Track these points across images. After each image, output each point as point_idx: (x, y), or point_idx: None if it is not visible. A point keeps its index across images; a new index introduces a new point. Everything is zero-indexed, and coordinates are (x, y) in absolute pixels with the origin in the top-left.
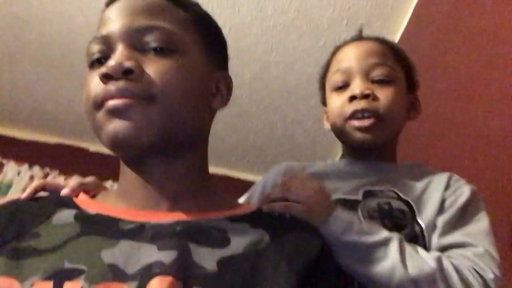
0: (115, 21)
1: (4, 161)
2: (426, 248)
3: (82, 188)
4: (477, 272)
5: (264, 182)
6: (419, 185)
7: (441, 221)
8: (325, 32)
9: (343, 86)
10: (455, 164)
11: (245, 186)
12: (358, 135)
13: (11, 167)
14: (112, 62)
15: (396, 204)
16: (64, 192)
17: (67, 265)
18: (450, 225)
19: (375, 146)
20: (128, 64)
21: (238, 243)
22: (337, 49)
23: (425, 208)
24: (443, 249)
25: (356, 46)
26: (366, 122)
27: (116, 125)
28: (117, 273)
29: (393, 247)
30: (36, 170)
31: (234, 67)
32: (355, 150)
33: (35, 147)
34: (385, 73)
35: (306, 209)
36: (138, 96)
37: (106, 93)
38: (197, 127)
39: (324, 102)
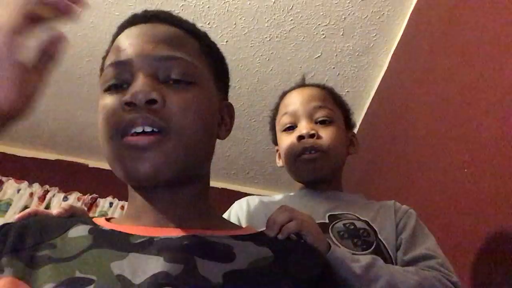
0: (135, 48)
1: (4, 179)
2: (393, 262)
3: (72, 210)
4: (445, 278)
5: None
6: (371, 209)
7: (403, 240)
8: (322, 43)
9: (291, 127)
10: (457, 170)
11: None
12: (308, 167)
13: (10, 184)
14: (135, 90)
15: (359, 224)
16: (55, 212)
17: (78, 274)
18: (410, 243)
19: (323, 176)
20: (153, 95)
21: (243, 259)
22: (284, 94)
23: (383, 228)
24: (410, 262)
25: (301, 92)
26: (313, 155)
27: (135, 164)
28: (125, 283)
29: (381, 266)
30: (36, 187)
31: (232, 79)
32: (307, 183)
33: (34, 164)
34: (326, 114)
35: (315, 227)
36: (159, 127)
37: (129, 121)
38: (206, 158)
39: (275, 141)
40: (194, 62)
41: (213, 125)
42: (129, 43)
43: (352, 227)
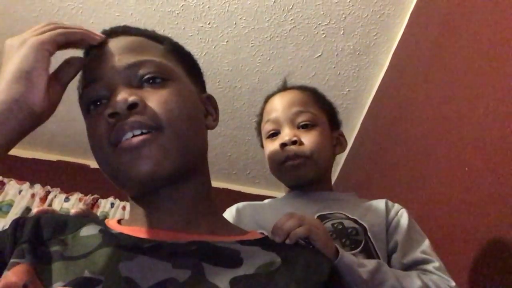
0: (103, 64)
1: (5, 180)
2: (377, 254)
3: (88, 212)
4: (445, 282)
5: None
6: (361, 207)
7: (398, 243)
8: (322, 42)
9: (275, 134)
10: (458, 170)
11: (247, 199)
12: (292, 173)
13: (12, 185)
14: (116, 100)
15: (347, 223)
16: (72, 212)
17: (87, 274)
18: (406, 245)
19: (308, 181)
20: (132, 99)
21: (251, 264)
22: (267, 99)
23: (373, 225)
24: (409, 266)
25: (282, 97)
26: (296, 162)
27: (135, 165)
28: (132, 286)
29: (386, 271)
30: (37, 188)
31: (232, 79)
32: (295, 187)
33: (36, 165)
34: (307, 118)
35: (324, 232)
36: (149, 127)
37: (117, 130)
38: (202, 148)
39: (263, 146)
40: (162, 61)
41: (199, 115)
42: (97, 61)
43: (341, 226)
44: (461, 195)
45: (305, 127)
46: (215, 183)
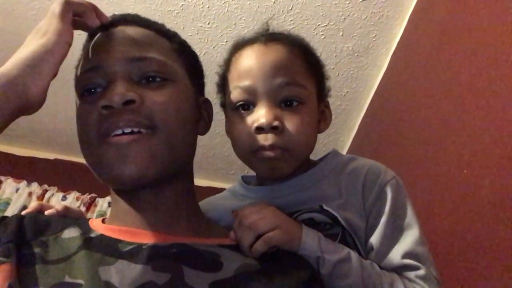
0: (106, 52)
1: (2, 178)
2: (358, 249)
3: (65, 212)
4: None
5: None
6: (337, 190)
7: (374, 241)
8: (321, 43)
9: (245, 106)
10: (456, 171)
11: None
12: (266, 166)
13: (9, 184)
14: (112, 93)
15: (319, 217)
16: (48, 212)
17: (67, 279)
18: (384, 244)
19: (284, 175)
20: (130, 95)
21: (230, 267)
22: (236, 50)
23: (348, 214)
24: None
25: (262, 57)
26: (273, 155)
27: (119, 164)
28: None
29: (355, 265)
30: (35, 187)
31: None
32: (265, 178)
33: (33, 164)
34: (294, 94)
35: (283, 232)
36: (142, 125)
37: (109, 124)
38: (189, 154)
39: (223, 105)
40: (166, 61)
41: (192, 120)
42: (100, 48)
43: (312, 222)
44: (460, 197)
45: (290, 104)
46: (213, 183)
